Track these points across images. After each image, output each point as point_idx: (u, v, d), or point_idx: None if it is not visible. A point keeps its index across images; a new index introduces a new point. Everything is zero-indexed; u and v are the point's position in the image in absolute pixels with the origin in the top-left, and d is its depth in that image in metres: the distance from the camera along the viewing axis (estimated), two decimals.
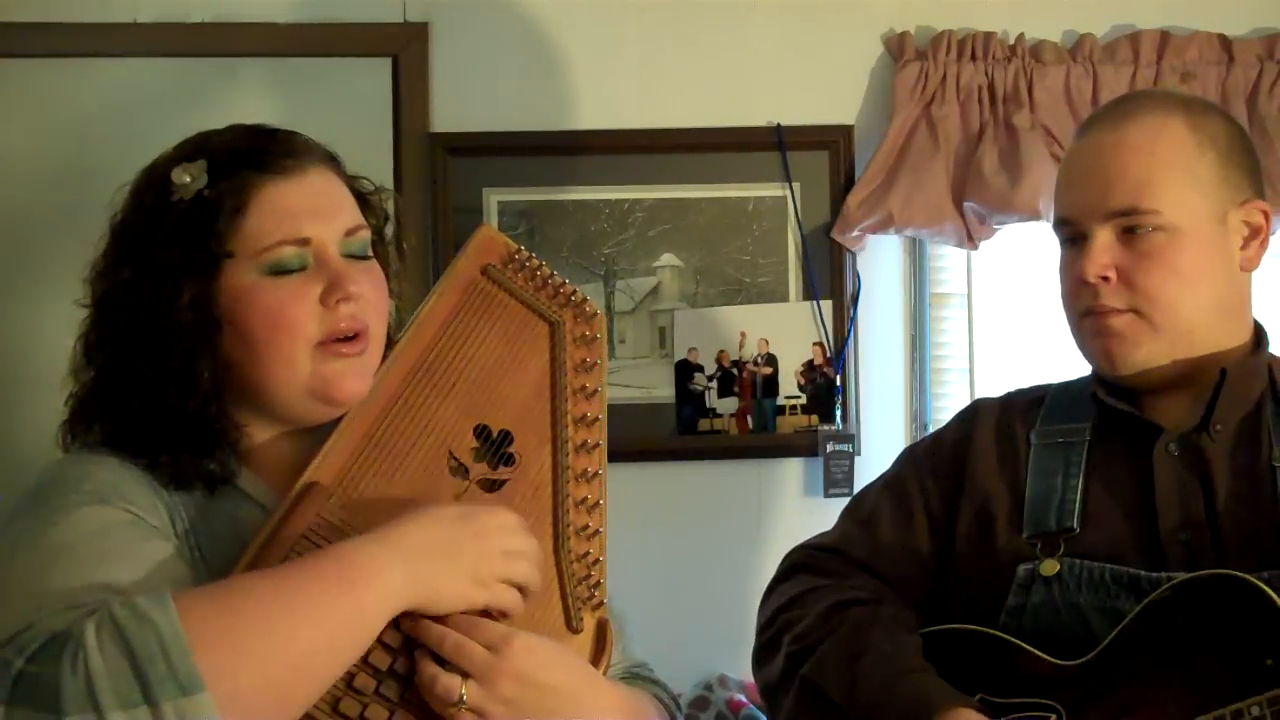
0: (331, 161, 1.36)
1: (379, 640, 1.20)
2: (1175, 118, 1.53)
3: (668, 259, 2.67)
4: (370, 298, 1.31)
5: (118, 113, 2.57)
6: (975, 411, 1.69)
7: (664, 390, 2.66)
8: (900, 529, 1.63)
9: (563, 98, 2.67)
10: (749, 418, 2.67)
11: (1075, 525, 1.51)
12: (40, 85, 2.59)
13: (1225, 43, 2.64)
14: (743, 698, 2.51)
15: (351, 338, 1.30)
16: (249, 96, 2.59)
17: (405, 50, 2.64)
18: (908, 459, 1.72)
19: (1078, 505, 1.52)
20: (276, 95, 2.61)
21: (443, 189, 2.62)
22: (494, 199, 2.65)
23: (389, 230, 1.43)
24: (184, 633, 1.04)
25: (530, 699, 1.22)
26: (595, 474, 1.38)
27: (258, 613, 1.09)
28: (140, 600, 1.06)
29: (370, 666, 1.20)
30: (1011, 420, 1.64)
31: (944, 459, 1.65)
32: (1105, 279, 1.51)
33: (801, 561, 1.67)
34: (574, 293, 1.44)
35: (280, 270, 1.28)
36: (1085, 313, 1.54)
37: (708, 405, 2.66)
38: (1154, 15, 2.66)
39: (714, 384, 2.66)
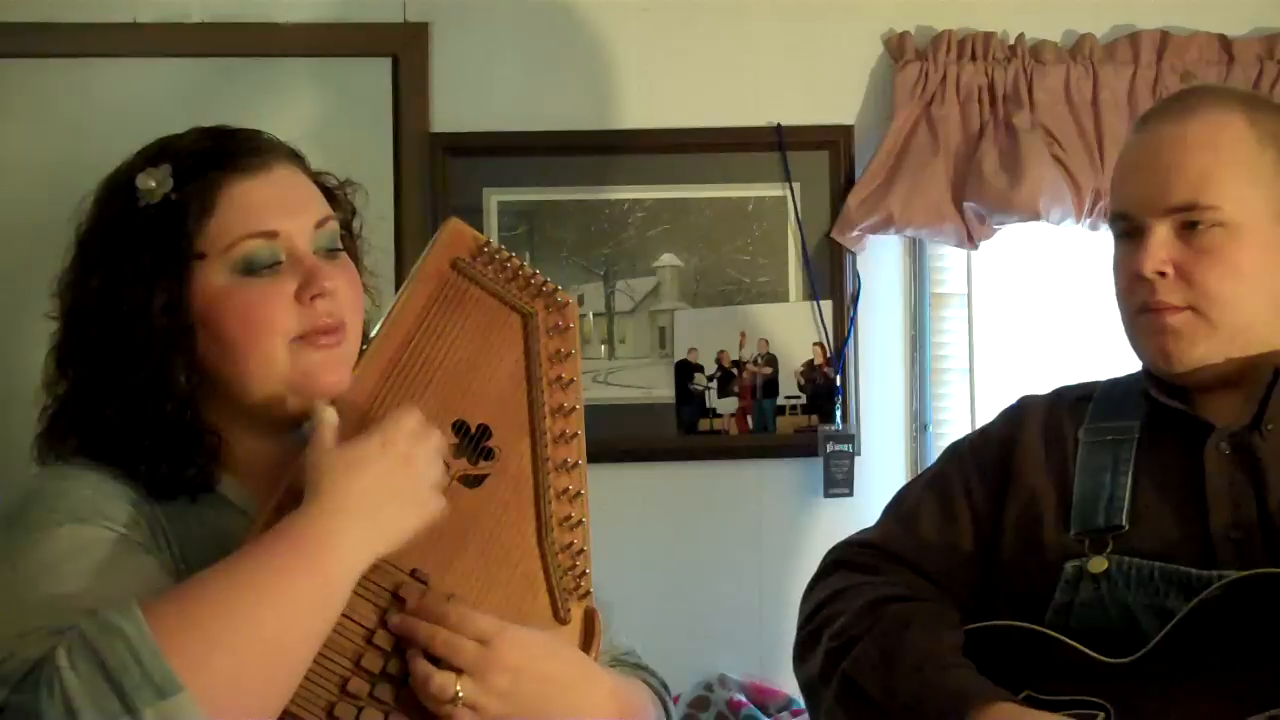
0: (295, 158, 1.35)
1: (370, 643, 1.20)
2: (1237, 114, 1.51)
3: (668, 259, 2.67)
4: (344, 292, 1.31)
5: (118, 113, 2.57)
6: (1022, 408, 1.66)
7: (664, 390, 2.66)
8: (943, 526, 1.61)
9: (563, 98, 2.67)
10: (749, 418, 2.67)
11: (1124, 523, 1.48)
12: (40, 85, 2.60)
13: (1225, 43, 2.64)
14: (743, 698, 2.51)
15: (330, 330, 1.29)
16: (249, 96, 2.59)
17: (405, 50, 2.64)
18: (952, 455, 1.69)
19: (1127, 503, 1.50)
20: (276, 95, 2.61)
21: (443, 189, 2.62)
22: (494, 199, 2.65)
23: (357, 224, 1.42)
24: (152, 635, 1.04)
25: (525, 690, 1.22)
26: (575, 464, 1.37)
27: (220, 601, 1.09)
28: (106, 612, 1.06)
29: (363, 670, 1.19)
30: (1059, 417, 1.61)
31: (989, 456, 1.63)
32: (1163, 274, 1.48)
33: (842, 558, 1.65)
34: (545, 283, 1.42)
35: (252, 267, 1.27)
36: (1141, 309, 1.51)
37: (708, 405, 2.66)
38: (1154, 15, 2.66)
39: (714, 384, 2.66)
